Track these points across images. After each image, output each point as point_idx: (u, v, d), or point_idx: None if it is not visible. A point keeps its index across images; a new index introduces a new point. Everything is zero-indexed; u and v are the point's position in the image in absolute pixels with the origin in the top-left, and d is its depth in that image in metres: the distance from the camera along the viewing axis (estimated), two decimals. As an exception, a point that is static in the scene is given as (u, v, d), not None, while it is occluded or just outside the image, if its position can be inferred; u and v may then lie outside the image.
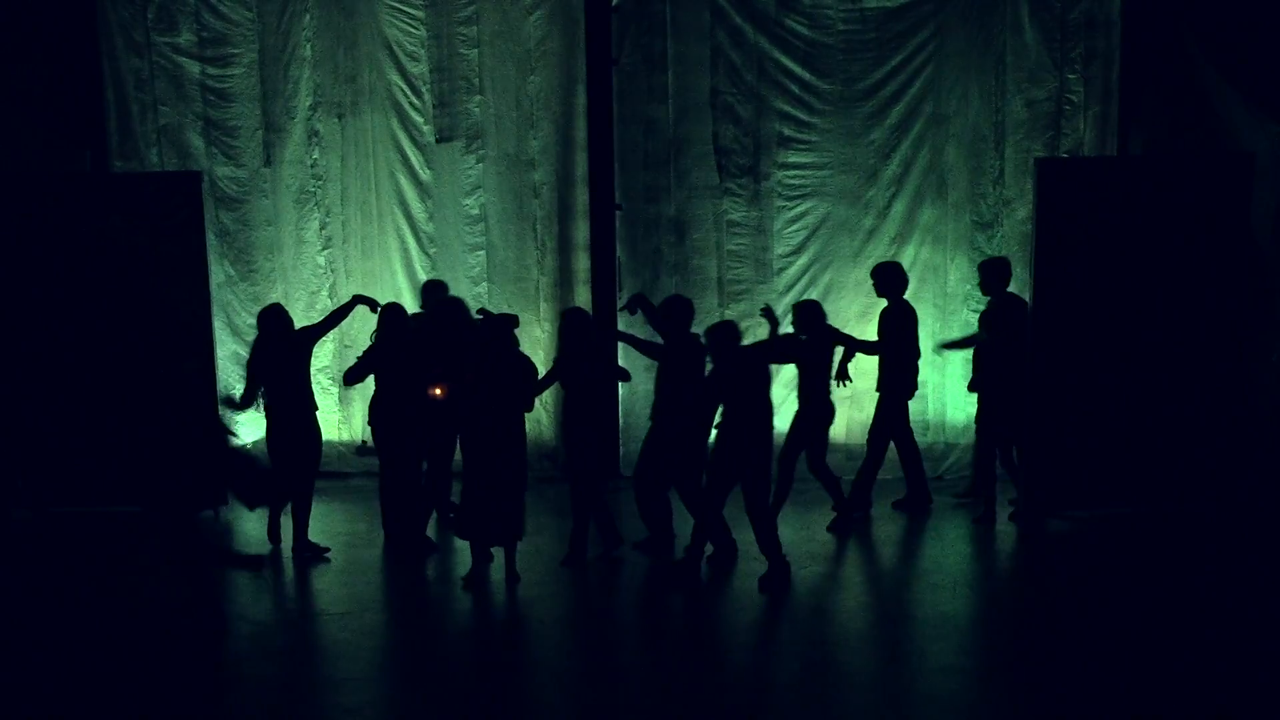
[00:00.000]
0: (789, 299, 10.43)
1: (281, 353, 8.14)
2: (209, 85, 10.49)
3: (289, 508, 8.39)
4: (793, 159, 10.36)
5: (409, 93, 10.50)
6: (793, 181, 10.38)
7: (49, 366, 9.35)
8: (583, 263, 10.47)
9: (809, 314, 8.85)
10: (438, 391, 7.96)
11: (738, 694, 6.25)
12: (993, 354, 9.03)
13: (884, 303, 9.44)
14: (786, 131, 10.33)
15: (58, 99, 10.20)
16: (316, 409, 8.44)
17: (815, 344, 8.77)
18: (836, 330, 9.18)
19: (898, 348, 9.18)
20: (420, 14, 10.40)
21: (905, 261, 10.36)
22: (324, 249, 10.71)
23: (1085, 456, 8.90)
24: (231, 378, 10.62)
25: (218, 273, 10.34)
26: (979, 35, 10.16)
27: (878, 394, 9.39)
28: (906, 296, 9.37)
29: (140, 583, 8.04)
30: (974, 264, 10.37)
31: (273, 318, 8.27)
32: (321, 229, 10.70)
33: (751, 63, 10.27)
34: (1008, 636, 7.08)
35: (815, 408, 8.82)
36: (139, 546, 8.79)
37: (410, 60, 10.46)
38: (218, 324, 9.95)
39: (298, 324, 10.61)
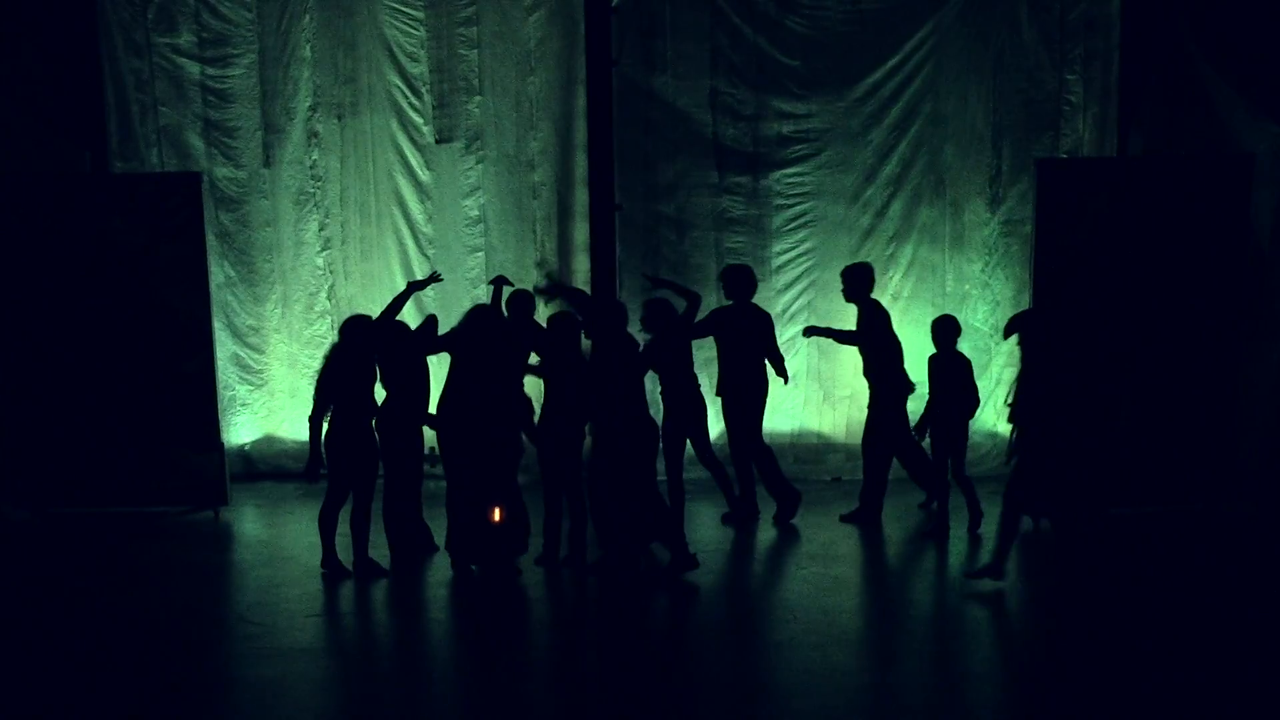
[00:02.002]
0: (787, 297, 10.46)
1: (360, 363, 7.96)
2: (209, 86, 10.48)
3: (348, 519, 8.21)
4: (791, 158, 10.37)
5: (408, 93, 10.50)
6: (791, 180, 10.40)
7: (49, 367, 9.35)
8: (582, 264, 10.46)
9: (653, 313, 8.48)
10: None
11: (734, 694, 6.26)
12: (868, 362, 8.97)
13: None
14: (785, 131, 10.34)
15: (58, 99, 10.20)
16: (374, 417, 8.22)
17: (661, 344, 8.44)
18: (688, 327, 8.87)
19: (744, 352, 9.01)
20: (420, 15, 10.40)
21: (903, 261, 10.42)
22: (323, 250, 10.71)
23: (1083, 457, 8.88)
24: (231, 379, 10.62)
25: (217, 274, 10.33)
26: (978, 35, 10.17)
27: (718, 396, 9.17)
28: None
29: (140, 583, 8.05)
30: (972, 264, 10.39)
31: (359, 329, 7.91)
32: (321, 230, 10.70)
33: (751, 63, 10.28)
34: (1006, 638, 7.08)
35: (678, 409, 8.62)
36: (139, 546, 8.83)
37: (410, 61, 10.47)
38: (217, 325, 9.94)
39: (302, 328, 10.67)
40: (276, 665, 6.60)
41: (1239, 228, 8.91)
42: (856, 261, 9.42)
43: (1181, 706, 6.00)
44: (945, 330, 8.71)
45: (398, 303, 8.25)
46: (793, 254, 10.44)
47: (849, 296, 9.10)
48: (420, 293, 10.29)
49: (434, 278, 8.75)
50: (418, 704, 6.19)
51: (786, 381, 9.24)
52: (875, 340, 8.90)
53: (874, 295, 10.44)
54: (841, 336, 9.14)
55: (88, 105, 10.38)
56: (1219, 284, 8.90)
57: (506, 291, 8.72)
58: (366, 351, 7.90)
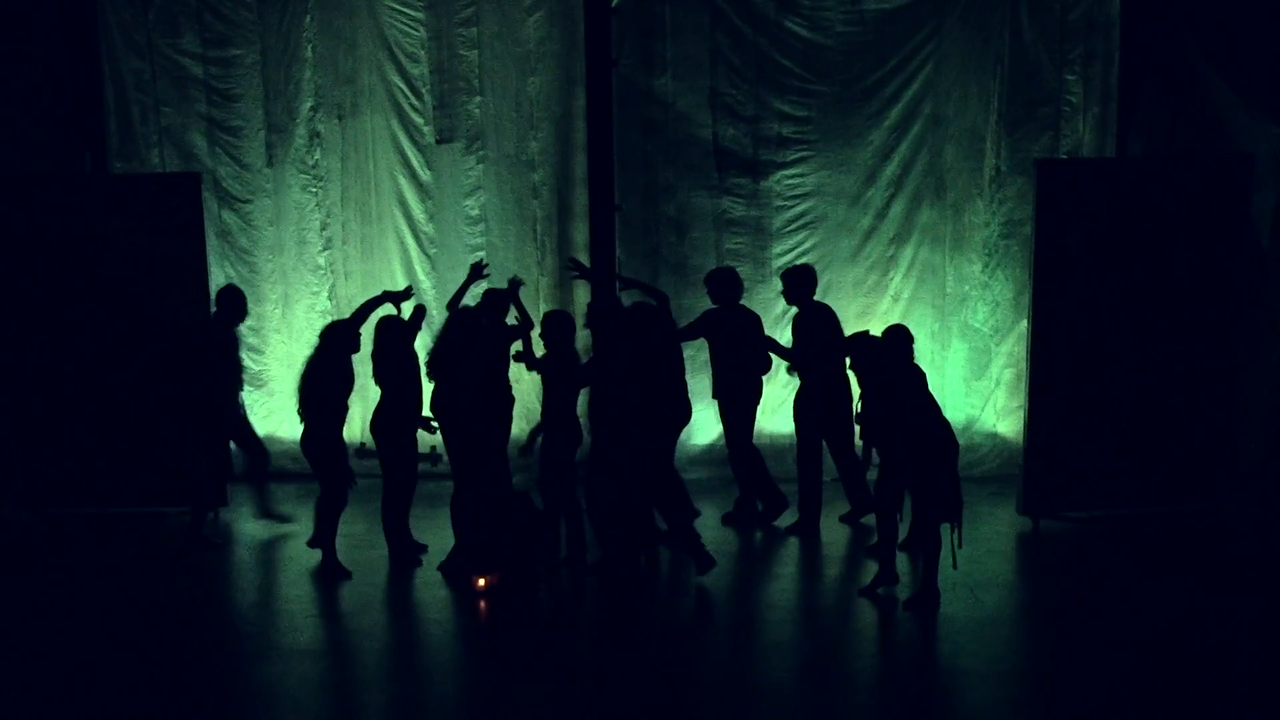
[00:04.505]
0: (787, 299, 10.46)
1: (337, 368, 8.00)
2: (211, 85, 10.49)
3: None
4: (792, 159, 10.36)
5: (409, 94, 10.50)
6: (792, 181, 10.38)
7: (49, 367, 9.34)
8: (583, 263, 10.44)
9: (552, 327, 8.16)
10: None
11: (736, 695, 6.26)
12: (809, 363, 8.82)
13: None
14: (785, 132, 10.33)
15: (58, 99, 10.20)
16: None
17: (559, 360, 8.12)
18: (673, 329, 8.68)
19: (740, 353, 8.94)
20: (420, 15, 10.40)
21: (903, 262, 10.39)
22: (324, 250, 10.71)
23: (1084, 457, 8.90)
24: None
25: (218, 274, 10.34)
26: (978, 36, 10.16)
27: (715, 400, 9.16)
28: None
29: (140, 583, 8.05)
30: (973, 265, 10.38)
31: (335, 335, 7.99)
32: (322, 230, 10.70)
33: (751, 64, 10.27)
34: (1005, 638, 7.08)
35: (557, 430, 8.16)
36: (139, 546, 8.83)
37: (410, 61, 10.47)
38: (217, 325, 9.95)
39: (303, 328, 10.66)
40: (276, 665, 6.61)
41: (1239, 228, 8.92)
42: (798, 265, 9.41)
43: (1182, 706, 6.00)
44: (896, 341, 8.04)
45: (369, 306, 8.28)
46: (793, 255, 10.39)
47: (790, 299, 9.06)
48: (420, 286, 10.40)
49: (407, 292, 8.68)
50: (417, 704, 6.19)
51: (794, 369, 9.10)
52: (814, 342, 8.80)
53: (873, 296, 10.47)
54: (783, 353, 9.04)
55: (88, 105, 10.38)
56: (1219, 284, 8.90)
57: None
58: (342, 356, 7.94)
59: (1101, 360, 8.85)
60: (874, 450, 7.65)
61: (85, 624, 7.28)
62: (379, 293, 8.68)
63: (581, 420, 9.11)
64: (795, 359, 8.97)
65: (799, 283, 8.96)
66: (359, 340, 8.08)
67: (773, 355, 9.11)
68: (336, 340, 7.95)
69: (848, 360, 7.64)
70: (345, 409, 8.08)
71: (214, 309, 9.07)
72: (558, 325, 8.15)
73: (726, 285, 9.05)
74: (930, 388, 7.44)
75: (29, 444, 9.42)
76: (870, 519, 8.79)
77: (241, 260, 10.66)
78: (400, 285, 10.54)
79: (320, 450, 7.93)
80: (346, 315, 10.28)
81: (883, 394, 7.32)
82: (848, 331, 8.85)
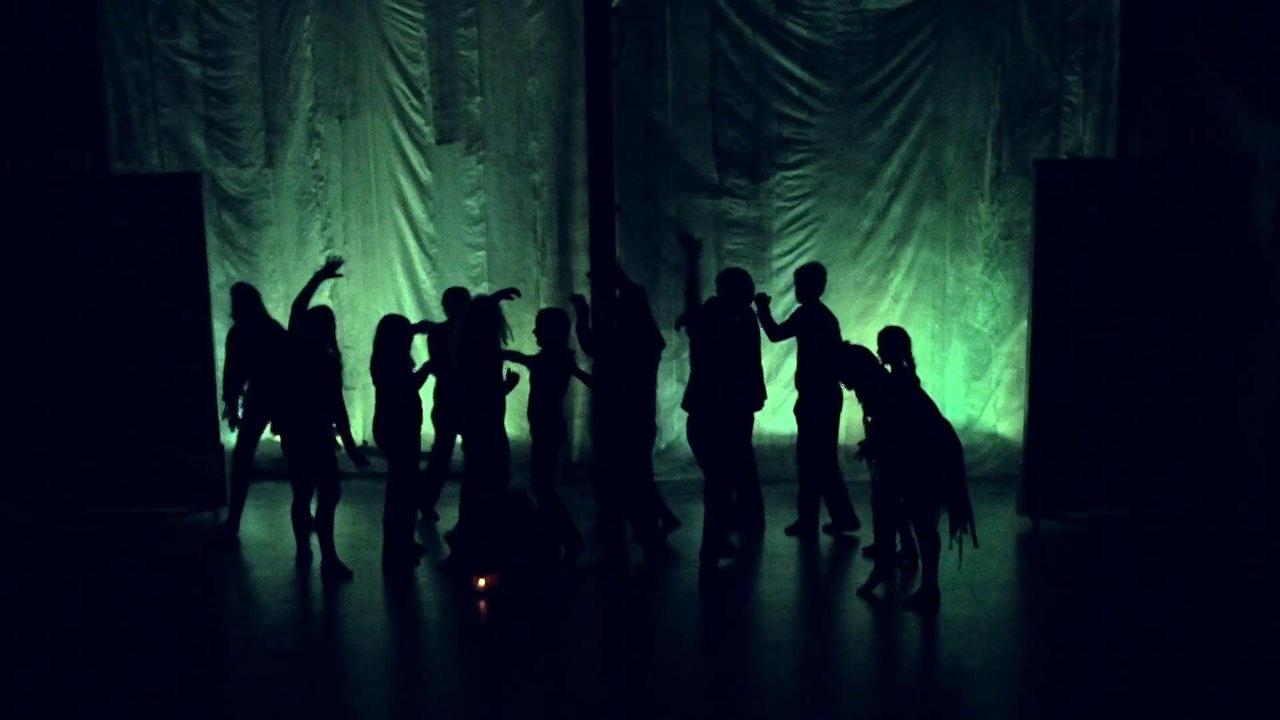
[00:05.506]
0: (788, 299, 10.43)
1: (312, 357, 7.97)
2: (210, 86, 10.50)
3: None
4: (792, 160, 10.36)
5: (409, 94, 10.51)
6: (792, 182, 10.38)
7: (49, 368, 9.35)
8: (583, 264, 10.46)
9: (546, 324, 8.17)
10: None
11: (736, 695, 6.25)
12: (806, 364, 8.77)
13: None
14: (786, 133, 10.33)
15: (58, 100, 10.21)
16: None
17: (552, 357, 8.13)
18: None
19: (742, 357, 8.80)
20: (420, 15, 10.41)
21: (904, 263, 10.39)
22: (325, 249, 10.70)
23: (1084, 458, 8.90)
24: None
25: (219, 273, 10.34)
26: (978, 37, 10.16)
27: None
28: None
29: (140, 583, 8.05)
30: (973, 265, 10.38)
31: (315, 322, 7.96)
32: (323, 230, 10.71)
33: (751, 64, 10.27)
34: (1006, 638, 7.08)
35: (544, 428, 8.18)
36: (139, 547, 8.83)
37: (410, 61, 10.47)
38: (218, 325, 9.95)
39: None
40: (275, 665, 6.60)
41: (1239, 228, 8.92)
42: (811, 263, 9.37)
43: (1181, 707, 6.00)
44: (894, 343, 7.97)
45: (307, 293, 8.04)
46: (793, 256, 10.40)
47: (798, 296, 9.02)
48: (420, 286, 10.39)
49: (336, 263, 8.32)
50: (417, 705, 6.19)
51: (774, 339, 9.01)
52: (812, 342, 8.76)
53: (873, 297, 10.43)
54: (768, 325, 8.99)
55: (88, 106, 10.39)
56: (1219, 284, 8.90)
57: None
58: (298, 348, 7.88)
59: (1101, 361, 8.86)
60: (871, 459, 7.57)
61: (85, 624, 7.27)
62: (312, 276, 8.31)
63: (581, 420, 9.15)
64: (774, 330, 8.90)
65: (810, 281, 8.93)
66: (318, 318, 7.91)
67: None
68: (293, 333, 7.90)
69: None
70: (332, 405, 7.97)
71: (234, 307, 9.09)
72: (552, 322, 8.14)
73: (736, 286, 9.01)
74: (927, 390, 7.44)
75: (29, 444, 9.42)
76: (850, 532, 8.83)
77: (242, 260, 10.68)
78: (400, 285, 10.61)
79: (300, 447, 7.93)
80: (350, 313, 10.38)
81: (875, 403, 7.29)
82: (845, 333, 8.86)
